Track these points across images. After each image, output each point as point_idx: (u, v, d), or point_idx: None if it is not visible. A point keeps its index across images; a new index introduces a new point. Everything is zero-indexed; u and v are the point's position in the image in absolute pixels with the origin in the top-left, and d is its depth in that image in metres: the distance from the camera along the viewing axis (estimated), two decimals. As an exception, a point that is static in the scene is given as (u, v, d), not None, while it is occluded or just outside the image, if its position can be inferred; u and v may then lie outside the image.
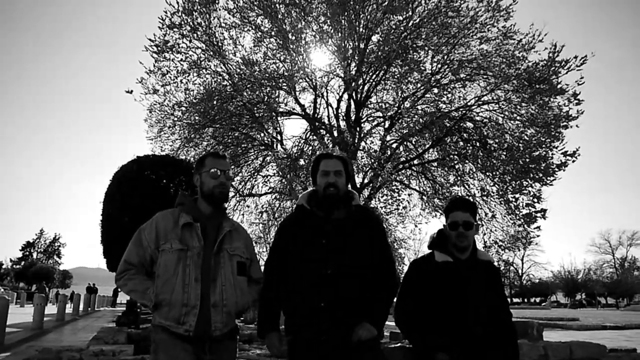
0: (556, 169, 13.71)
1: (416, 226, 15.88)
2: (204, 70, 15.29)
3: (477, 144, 15.09)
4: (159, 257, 2.60)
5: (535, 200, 14.17)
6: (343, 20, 14.60)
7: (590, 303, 78.11)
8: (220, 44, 15.13)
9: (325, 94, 16.36)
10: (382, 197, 15.53)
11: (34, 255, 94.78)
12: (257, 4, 14.93)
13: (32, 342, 11.15)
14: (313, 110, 16.29)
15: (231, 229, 2.77)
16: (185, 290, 2.51)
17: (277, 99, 16.24)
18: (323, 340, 2.62)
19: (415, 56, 14.75)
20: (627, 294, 79.91)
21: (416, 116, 14.86)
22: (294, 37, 14.88)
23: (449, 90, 15.07)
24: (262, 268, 2.99)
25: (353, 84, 14.58)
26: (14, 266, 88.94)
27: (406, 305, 3.00)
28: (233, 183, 17.09)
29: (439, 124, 14.55)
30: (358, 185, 15.12)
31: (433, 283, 2.93)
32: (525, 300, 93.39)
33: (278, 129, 16.85)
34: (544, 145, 13.80)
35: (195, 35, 14.86)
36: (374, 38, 15.21)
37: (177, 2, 14.49)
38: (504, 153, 14.31)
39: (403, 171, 16.49)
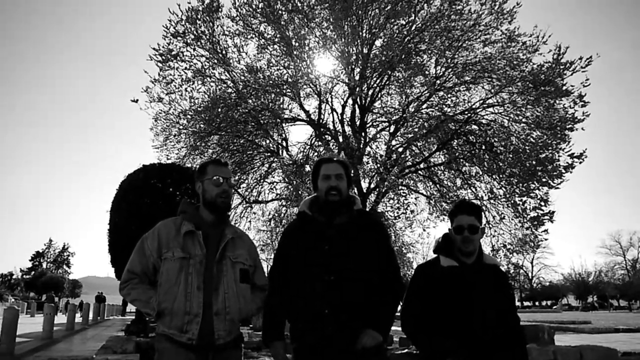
0: (563, 171, 13.61)
1: (424, 230, 15.81)
2: (208, 78, 15.34)
3: (483, 147, 15.02)
4: (162, 266, 2.60)
5: (543, 203, 14.07)
6: (346, 26, 14.61)
7: (602, 305, 77.50)
8: (224, 52, 15.20)
9: (329, 99, 16.39)
10: (388, 201, 15.48)
11: (44, 265, 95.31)
12: (260, 12, 14.99)
13: (42, 351, 11.19)
14: (318, 116, 16.31)
15: (234, 236, 2.76)
16: (187, 299, 2.50)
17: (281, 106, 16.27)
18: (328, 347, 2.60)
19: (418, 60, 14.73)
20: (640, 296, 79.20)
21: (421, 120, 14.80)
22: (297, 44, 14.91)
23: (454, 93, 15.01)
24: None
25: (357, 89, 14.58)
26: (24, 276, 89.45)
27: (412, 310, 2.98)
28: (239, 190, 17.12)
29: (444, 128, 14.51)
30: (364, 190, 15.09)
31: (439, 288, 2.90)
32: (536, 303, 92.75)
33: (283, 135, 16.87)
34: (550, 148, 13.71)
35: (199, 43, 14.93)
36: (378, 43, 15.23)
37: (181, 11, 14.58)
38: (510, 155, 14.23)
39: (409, 175, 16.44)
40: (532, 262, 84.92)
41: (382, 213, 15.68)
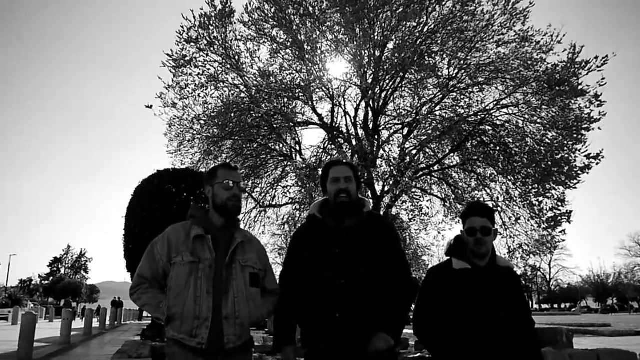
0: (579, 172, 13.43)
1: (439, 233, 15.71)
2: (221, 84, 15.43)
3: (498, 148, 14.89)
4: (171, 270, 2.60)
5: (560, 203, 13.90)
6: (358, 29, 14.60)
7: (622, 308, 76.22)
8: (237, 57, 15.28)
9: (342, 102, 16.38)
10: (402, 204, 15.41)
11: (62, 270, 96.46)
12: (272, 16, 15.04)
13: (59, 356, 11.30)
14: (331, 120, 16.31)
15: (243, 240, 2.75)
16: (196, 303, 2.50)
17: (294, 110, 16.31)
18: (339, 351, 2.59)
19: (431, 62, 14.67)
20: (661, 297, 77.91)
21: (434, 122, 14.71)
22: (309, 48, 14.94)
23: (467, 94, 14.92)
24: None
25: (370, 92, 14.56)
26: (43, 282, 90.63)
27: (424, 313, 2.94)
28: (253, 194, 17.18)
29: (458, 129, 14.41)
30: (378, 194, 15.05)
31: (451, 290, 2.86)
32: (554, 306, 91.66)
33: (296, 139, 16.92)
34: (566, 148, 13.54)
35: (212, 49, 15.03)
36: (390, 45, 15.18)
37: (194, 17, 14.68)
38: (526, 156, 14.08)
39: (423, 178, 16.36)
40: (549, 264, 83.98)
41: (396, 216, 15.62)
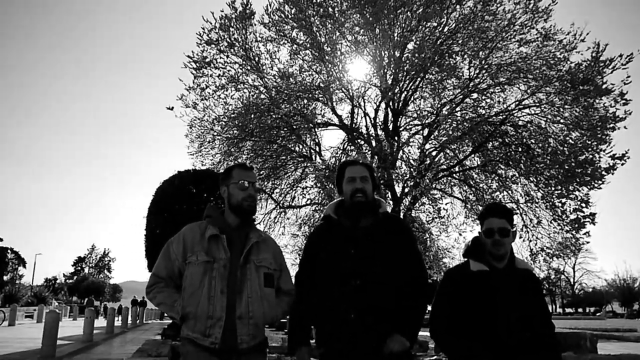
0: (604, 173, 13.17)
1: (460, 234, 15.55)
2: (241, 85, 15.54)
3: (520, 149, 14.70)
4: (186, 270, 2.61)
5: (583, 204, 13.63)
6: (377, 30, 14.56)
7: (649, 312, 74.64)
8: (257, 59, 15.36)
9: (362, 103, 16.35)
10: (421, 206, 15.30)
11: (86, 270, 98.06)
12: (292, 17, 15.08)
13: (82, 354, 11.47)
14: (350, 121, 16.29)
15: (258, 240, 2.75)
16: (210, 302, 2.50)
17: (314, 111, 16.33)
18: (354, 352, 2.57)
19: (451, 62, 14.54)
20: (689, 302, 76.10)
21: (455, 123, 14.58)
22: (329, 49, 14.95)
23: (488, 95, 14.77)
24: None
25: (389, 93, 14.49)
26: (67, 281, 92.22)
27: (440, 315, 2.90)
28: (273, 195, 17.23)
29: (479, 130, 14.27)
30: (398, 195, 14.97)
31: (466, 292, 2.82)
32: (579, 310, 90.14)
33: (316, 140, 16.93)
34: (590, 149, 13.30)
35: (232, 50, 15.13)
36: (410, 46, 15.12)
37: (215, 19, 14.80)
38: (548, 157, 13.86)
39: (443, 179, 16.23)
40: (573, 268, 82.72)
41: (416, 218, 15.52)
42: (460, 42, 14.36)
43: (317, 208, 16.18)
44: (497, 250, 2.85)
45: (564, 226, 14.17)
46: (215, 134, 15.88)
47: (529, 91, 14.07)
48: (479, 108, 14.66)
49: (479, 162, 15.78)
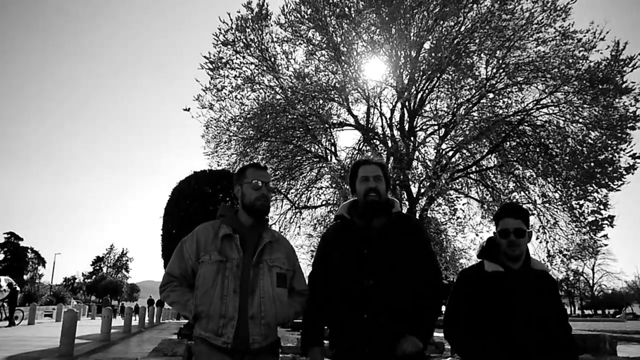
0: (624, 173, 12.96)
1: (477, 235, 15.41)
2: (257, 85, 15.57)
3: (537, 149, 14.53)
4: (199, 269, 2.62)
5: (602, 207, 13.43)
6: (393, 29, 14.51)
7: (670, 315, 73.37)
8: (273, 59, 15.39)
9: (378, 104, 16.30)
10: (437, 206, 15.19)
11: (104, 269, 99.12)
12: (308, 18, 15.08)
13: (99, 352, 11.57)
14: (366, 121, 16.25)
15: (271, 240, 2.74)
16: (223, 302, 2.50)
17: (329, 111, 16.33)
18: (367, 353, 2.56)
19: (468, 61, 14.42)
20: None
21: (472, 122, 14.46)
22: (345, 49, 14.93)
23: (506, 94, 14.62)
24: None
25: (406, 93, 14.42)
26: (86, 280, 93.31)
27: (454, 316, 2.88)
28: (288, 195, 17.25)
29: (496, 130, 14.12)
30: (414, 195, 14.89)
31: (481, 293, 2.79)
32: (598, 312, 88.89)
33: (331, 140, 16.92)
34: (609, 148, 13.10)
35: (248, 51, 15.18)
36: (426, 45, 15.04)
37: (231, 20, 14.87)
38: (567, 157, 13.68)
39: (460, 179, 16.10)
40: (592, 269, 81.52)
41: (432, 218, 15.42)
42: (477, 41, 14.23)
43: (332, 209, 16.16)
44: (513, 251, 2.82)
45: (581, 228, 13.98)
46: (231, 134, 15.96)
47: (547, 90, 13.91)
48: (496, 108, 14.51)
49: (495, 163, 15.64)
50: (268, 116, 15.03)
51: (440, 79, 15.17)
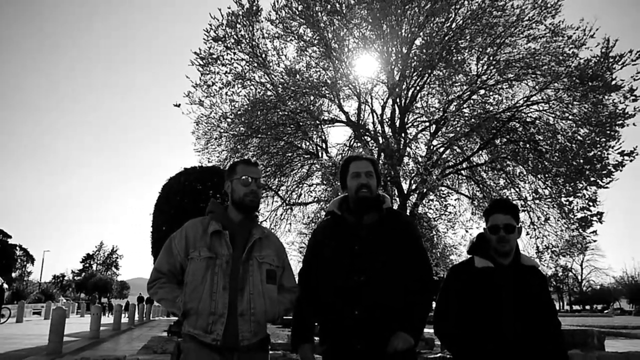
0: (612, 170, 13.05)
1: (467, 232, 15.48)
2: (248, 82, 15.51)
3: (527, 146, 14.60)
4: (188, 265, 2.59)
5: (591, 203, 13.53)
6: (385, 26, 14.50)
7: (657, 310, 74.07)
8: (263, 55, 15.33)
9: (369, 100, 16.30)
10: (428, 202, 15.23)
11: (94, 267, 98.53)
12: (299, 14, 15.03)
13: (88, 350, 11.48)
14: (357, 117, 16.24)
15: (261, 237, 2.72)
16: (212, 299, 2.47)
17: (320, 107, 16.29)
18: (358, 349, 2.55)
19: (459, 58, 14.44)
20: (698, 299, 75.42)
21: (462, 119, 14.49)
22: (336, 45, 14.91)
23: (496, 91, 14.67)
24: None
25: (397, 89, 14.41)
26: (75, 277, 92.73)
27: (444, 312, 2.87)
28: (279, 192, 17.21)
29: (486, 126, 14.17)
30: (405, 192, 14.91)
31: (471, 289, 2.79)
32: (586, 307, 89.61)
33: (322, 137, 16.91)
34: (598, 145, 13.18)
35: (239, 47, 15.10)
36: (417, 42, 15.03)
37: (222, 15, 14.80)
38: (556, 154, 13.75)
39: (451, 176, 16.15)
40: (581, 265, 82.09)
41: (423, 215, 15.45)
42: (468, 38, 14.26)
43: (323, 205, 16.15)
44: (502, 247, 2.82)
45: (571, 225, 14.07)
46: (221, 131, 15.88)
47: (537, 87, 13.96)
48: (486, 104, 14.55)
49: (486, 159, 15.69)
50: (259, 112, 14.96)
51: (431, 75, 15.17)
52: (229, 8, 14.86)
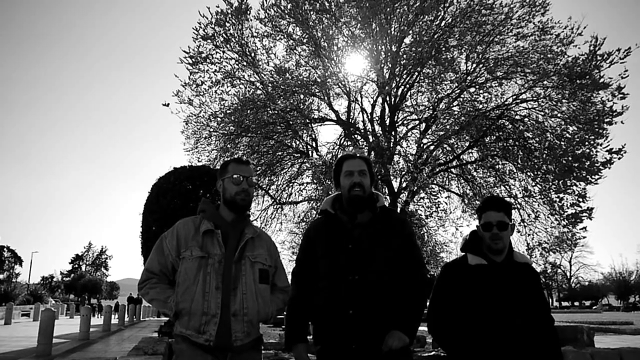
0: (601, 167, 13.15)
1: (457, 229, 15.55)
2: (237, 80, 15.46)
3: (517, 143, 14.68)
4: (180, 265, 2.55)
5: (581, 199, 13.63)
6: (374, 24, 14.50)
7: (645, 306, 74.95)
8: (253, 54, 15.29)
9: (359, 99, 16.30)
10: (419, 201, 15.27)
11: (83, 267, 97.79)
12: (288, 13, 14.99)
13: (78, 352, 11.40)
14: (347, 116, 16.24)
15: (253, 236, 2.69)
16: (205, 299, 2.44)
17: (310, 106, 16.27)
18: (352, 349, 2.53)
19: (448, 56, 14.48)
20: (685, 295, 76.39)
21: (452, 117, 14.53)
22: (325, 44, 14.89)
23: (486, 89, 14.72)
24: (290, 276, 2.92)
25: (386, 87, 14.41)
26: (64, 278, 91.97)
27: (438, 311, 2.86)
28: (270, 191, 17.17)
29: (476, 124, 14.22)
30: (395, 190, 14.93)
31: (466, 287, 2.78)
32: (575, 303, 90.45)
33: (312, 135, 16.88)
34: (587, 143, 13.27)
35: (228, 46, 15.05)
36: (407, 40, 15.06)
37: (211, 14, 14.73)
38: (545, 152, 13.83)
39: (441, 174, 16.19)
40: (570, 261, 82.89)
41: (413, 212, 15.49)
42: (457, 36, 14.30)
43: (314, 205, 16.14)
44: (496, 244, 2.81)
45: (561, 221, 14.16)
46: (211, 130, 15.81)
47: (526, 85, 14.04)
48: (476, 102, 14.61)
49: (476, 157, 15.75)
50: (248, 111, 14.91)
51: (421, 73, 15.20)
52: (218, 7, 14.82)
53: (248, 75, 15.53)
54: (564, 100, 13.62)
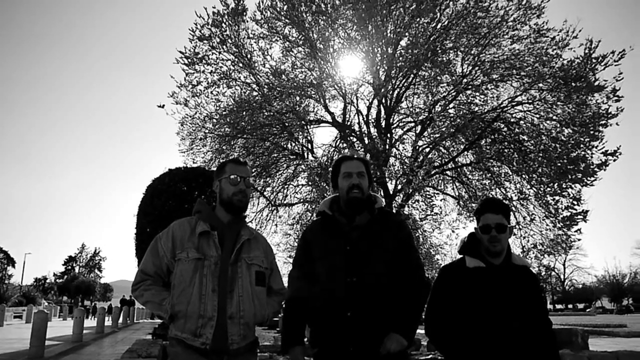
0: (596, 169, 13.19)
1: (453, 231, 15.53)
2: (233, 82, 15.43)
3: (512, 146, 14.71)
4: (175, 267, 2.50)
5: (575, 202, 13.66)
6: (370, 26, 14.51)
7: (638, 308, 75.19)
8: (249, 55, 15.27)
9: (355, 101, 16.29)
10: (414, 203, 15.26)
11: (76, 269, 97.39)
12: (284, 14, 14.98)
13: (71, 354, 11.31)
14: (343, 118, 16.22)
15: (250, 238, 2.65)
16: (202, 301, 2.39)
17: (306, 108, 16.25)
18: (350, 351, 2.50)
19: (444, 58, 14.49)
20: (678, 298, 76.75)
21: (448, 120, 14.54)
22: (321, 46, 14.88)
23: (482, 91, 14.74)
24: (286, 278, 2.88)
25: (382, 89, 14.41)
26: (57, 280, 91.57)
27: (436, 313, 2.83)
28: (265, 193, 17.12)
29: (472, 127, 14.22)
30: (391, 192, 14.91)
31: (464, 290, 2.75)
32: (569, 306, 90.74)
33: (308, 137, 16.85)
34: (582, 145, 13.31)
35: (224, 47, 15.01)
36: (403, 42, 15.08)
37: (207, 15, 14.70)
38: (541, 154, 13.86)
39: (436, 176, 16.19)
40: (564, 264, 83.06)
41: (409, 215, 15.47)
42: (453, 38, 14.33)
43: (309, 207, 16.10)
44: (494, 247, 2.78)
45: (556, 223, 14.19)
46: (206, 131, 15.77)
47: (521, 88, 14.07)
48: (472, 105, 14.63)
49: (472, 160, 15.75)
50: (244, 113, 14.88)
51: (417, 75, 15.22)
52: (214, 7, 14.80)
53: (244, 77, 15.51)
54: (559, 103, 13.66)
